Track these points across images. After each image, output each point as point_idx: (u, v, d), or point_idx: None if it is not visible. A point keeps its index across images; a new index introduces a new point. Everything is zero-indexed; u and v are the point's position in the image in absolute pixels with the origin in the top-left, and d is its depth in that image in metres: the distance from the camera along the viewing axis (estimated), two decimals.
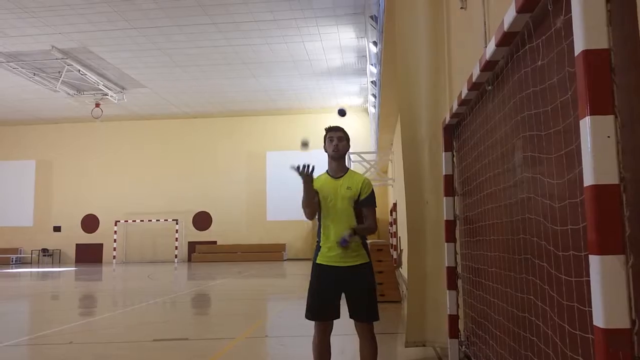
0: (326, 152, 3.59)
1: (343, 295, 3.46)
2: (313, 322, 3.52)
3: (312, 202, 3.43)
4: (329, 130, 3.60)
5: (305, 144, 3.67)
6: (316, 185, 3.51)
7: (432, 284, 4.93)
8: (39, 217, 30.06)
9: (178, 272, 20.47)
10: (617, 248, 1.47)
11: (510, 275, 2.92)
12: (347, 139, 3.60)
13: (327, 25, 17.55)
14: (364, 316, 3.43)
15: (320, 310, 3.46)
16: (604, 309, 1.46)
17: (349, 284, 3.42)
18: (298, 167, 3.29)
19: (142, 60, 20.39)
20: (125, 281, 16.98)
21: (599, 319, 1.47)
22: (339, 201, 3.45)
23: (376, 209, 3.58)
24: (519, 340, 2.74)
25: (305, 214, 3.50)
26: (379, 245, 9.33)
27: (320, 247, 3.50)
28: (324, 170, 3.64)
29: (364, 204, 3.48)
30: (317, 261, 3.50)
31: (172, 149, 29.83)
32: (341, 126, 3.63)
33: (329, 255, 3.44)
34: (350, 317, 3.46)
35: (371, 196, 3.52)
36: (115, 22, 16.81)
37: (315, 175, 3.62)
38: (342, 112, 3.90)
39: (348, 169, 3.62)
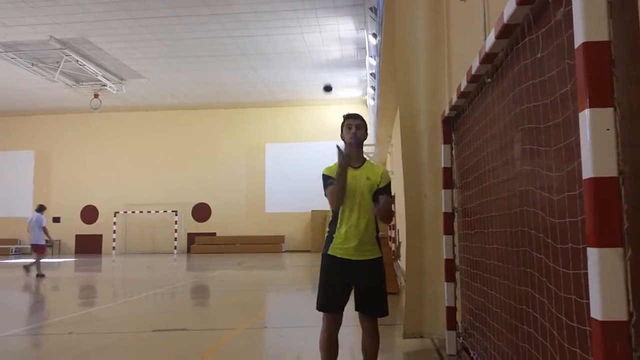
0: (343, 140, 3.49)
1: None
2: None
3: (345, 188, 3.30)
4: (348, 117, 3.50)
5: (328, 88, 3.53)
6: (335, 174, 3.39)
7: (430, 276, 4.94)
8: None
9: (177, 263, 20.51)
10: (616, 241, 1.48)
11: (508, 268, 2.93)
12: (366, 127, 3.51)
13: (326, 17, 17.47)
14: (375, 311, 3.38)
15: (333, 301, 3.37)
16: (602, 301, 1.46)
17: (361, 278, 3.34)
18: (340, 150, 3.18)
19: (141, 50, 20.30)
20: (125, 272, 17.01)
21: (596, 312, 1.48)
22: (358, 191, 3.36)
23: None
24: (517, 332, 2.76)
25: (332, 202, 3.34)
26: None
27: (333, 237, 3.39)
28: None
29: (382, 192, 3.40)
30: (329, 252, 3.39)
31: (171, 140, 29.76)
32: (359, 114, 3.55)
33: (343, 248, 3.34)
34: (358, 310, 3.38)
35: (389, 186, 3.45)
36: (114, 12, 16.72)
37: (331, 163, 3.52)
38: (328, 89, 3.80)
39: (365, 159, 3.54)
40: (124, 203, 29.29)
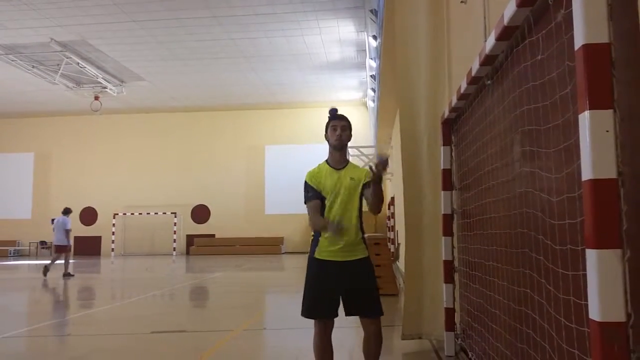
0: (328, 141, 3.45)
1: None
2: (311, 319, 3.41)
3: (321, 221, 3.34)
4: (332, 118, 3.46)
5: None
6: (317, 178, 3.39)
7: (429, 278, 4.94)
8: (37, 210, 30.02)
9: (176, 265, 20.49)
10: (614, 242, 1.48)
11: (507, 269, 2.93)
12: (350, 128, 3.47)
13: (326, 19, 17.50)
14: (372, 311, 3.30)
15: (320, 307, 3.29)
16: (600, 302, 1.47)
17: (351, 280, 3.27)
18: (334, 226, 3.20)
19: (142, 53, 20.32)
20: (124, 274, 16.99)
21: (595, 313, 1.48)
22: (343, 192, 3.32)
23: None
24: (515, 333, 2.76)
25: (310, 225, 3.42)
26: (376, 239, 9.35)
27: (319, 240, 3.34)
28: (324, 160, 3.51)
29: (367, 186, 3.32)
30: (315, 256, 3.34)
31: (171, 142, 29.78)
32: (345, 115, 3.50)
33: (330, 250, 3.29)
34: (351, 314, 3.31)
35: None
36: (115, 15, 16.74)
37: (315, 165, 3.51)
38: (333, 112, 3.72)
39: (348, 160, 3.50)
40: (123, 205, 29.28)
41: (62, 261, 14.77)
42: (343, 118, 3.47)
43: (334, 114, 3.50)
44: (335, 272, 3.29)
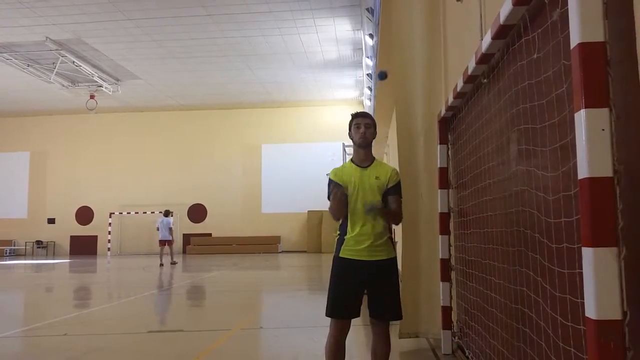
0: (352, 139, 3.40)
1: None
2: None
3: (343, 209, 3.27)
4: (356, 116, 3.40)
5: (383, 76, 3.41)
6: (341, 175, 3.33)
7: (425, 276, 4.95)
8: (33, 209, 29.91)
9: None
10: (610, 240, 1.49)
11: (503, 267, 2.94)
12: (375, 125, 3.40)
13: (323, 17, 17.48)
14: (389, 315, 3.27)
15: (344, 307, 3.23)
16: (596, 300, 1.47)
17: (374, 280, 3.22)
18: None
19: (137, 51, 20.25)
20: (120, 273, 16.96)
21: (591, 311, 1.49)
22: (367, 191, 3.26)
23: (402, 200, 3.39)
24: (512, 331, 2.76)
25: (332, 217, 3.35)
26: None
27: (345, 239, 3.28)
28: (349, 159, 3.45)
29: (391, 192, 3.29)
30: (341, 255, 3.28)
31: (167, 141, 29.70)
32: (368, 112, 3.49)
33: (355, 249, 3.23)
34: (371, 315, 3.28)
35: (398, 185, 3.33)
36: (110, 13, 16.68)
37: (339, 164, 3.47)
38: (382, 75, 3.63)
39: (374, 158, 3.43)
40: (120, 204, 29.19)
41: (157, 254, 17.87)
42: (367, 115, 3.42)
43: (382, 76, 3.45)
44: (359, 271, 3.23)
